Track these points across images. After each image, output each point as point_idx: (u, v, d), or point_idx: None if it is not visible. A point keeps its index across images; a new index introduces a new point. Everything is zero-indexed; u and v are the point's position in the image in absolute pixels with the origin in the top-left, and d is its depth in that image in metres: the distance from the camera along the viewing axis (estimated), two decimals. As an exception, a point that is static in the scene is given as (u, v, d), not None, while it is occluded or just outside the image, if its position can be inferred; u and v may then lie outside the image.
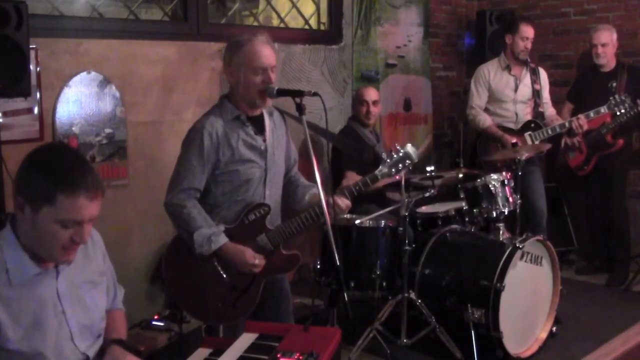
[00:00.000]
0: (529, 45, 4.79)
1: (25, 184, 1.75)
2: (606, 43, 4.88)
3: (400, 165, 2.95)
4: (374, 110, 4.56)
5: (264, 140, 2.82)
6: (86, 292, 1.93)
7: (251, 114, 2.82)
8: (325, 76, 5.01)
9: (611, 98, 4.54)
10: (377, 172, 2.94)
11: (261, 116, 2.86)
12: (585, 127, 4.67)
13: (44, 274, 1.81)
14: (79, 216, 1.74)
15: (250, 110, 2.81)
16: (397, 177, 3.41)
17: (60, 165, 1.76)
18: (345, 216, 3.73)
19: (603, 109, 4.58)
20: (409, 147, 2.97)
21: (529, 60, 4.86)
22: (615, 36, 4.92)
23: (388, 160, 2.95)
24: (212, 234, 2.69)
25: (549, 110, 4.93)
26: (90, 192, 1.74)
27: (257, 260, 2.75)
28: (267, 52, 2.73)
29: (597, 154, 5.00)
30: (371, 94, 4.57)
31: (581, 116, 4.62)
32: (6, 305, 1.73)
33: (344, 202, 2.83)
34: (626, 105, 4.50)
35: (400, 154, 2.95)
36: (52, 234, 1.74)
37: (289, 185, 3.04)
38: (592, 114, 4.60)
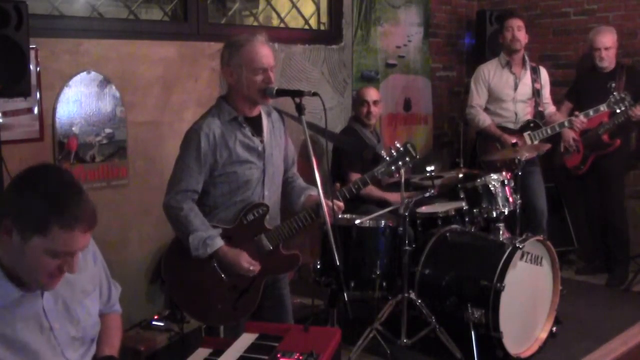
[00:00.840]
0: (517, 34, 4.75)
1: (16, 208, 1.63)
2: (609, 47, 4.88)
3: (400, 162, 2.95)
4: (375, 110, 4.55)
5: (261, 141, 2.82)
6: (77, 303, 1.85)
7: (249, 114, 2.82)
8: (325, 76, 5.01)
9: (611, 96, 4.53)
10: (376, 170, 2.94)
11: (259, 117, 2.86)
12: (585, 125, 4.68)
13: (27, 295, 1.72)
14: (72, 248, 1.66)
15: (248, 111, 2.81)
16: (397, 175, 3.41)
17: (57, 193, 1.64)
18: (345, 216, 3.74)
19: (602, 107, 4.57)
20: (409, 145, 2.96)
21: (527, 59, 4.86)
22: (616, 37, 4.92)
23: (387, 159, 2.95)
24: (207, 237, 2.69)
25: (549, 108, 4.93)
26: (86, 225, 1.66)
27: (252, 267, 2.75)
28: (266, 52, 2.74)
29: (593, 154, 4.99)
30: (372, 93, 4.57)
31: (580, 115, 4.61)
32: None
33: (336, 204, 2.82)
34: (626, 102, 4.49)
35: (400, 152, 2.95)
36: (40, 263, 1.64)
37: (286, 186, 3.04)
38: (591, 112, 4.60)
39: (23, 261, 1.66)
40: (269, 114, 2.91)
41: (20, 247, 1.63)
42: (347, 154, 4.36)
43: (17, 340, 1.69)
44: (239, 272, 2.74)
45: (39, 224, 1.61)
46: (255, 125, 2.83)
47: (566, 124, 4.66)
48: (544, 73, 4.92)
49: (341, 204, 2.86)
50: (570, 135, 4.99)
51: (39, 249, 1.63)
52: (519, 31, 4.76)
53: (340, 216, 3.04)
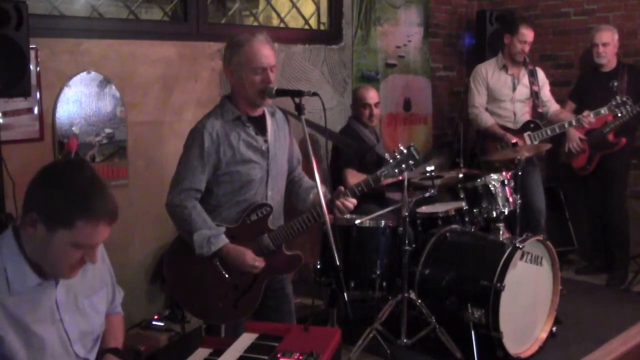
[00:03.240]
0: (527, 49, 4.78)
1: (42, 202, 1.70)
2: (607, 43, 4.87)
3: (403, 165, 2.95)
4: (377, 112, 4.55)
5: (265, 141, 2.82)
6: (86, 298, 1.91)
7: (252, 114, 2.82)
8: (325, 76, 5.01)
9: (612, 100, 4.52)
10: (379, 172, 2.93)
11: (263, 116, 2.86)
12: (593, 123, 4.68)
13: (44, 284, 1.79)
14: (95, 241, 1.74)
15: (251, 111, 2.81)
16: (400, 178, 3.41)
17: (82, 189, 1.71)
18: (345, 216, 3.73)
19: (603, 110, 4.56)
20: (412, 148, 2.96)
21: (527, 60, 4.86)
22: (616, 36, 4.91)
23: (391, 161, 2.95)
24: (211, 236, 2.69)
25: (552, 107, 4.92)
26: (109, 219, 1.73)
27: (257, 262, 2.75)
28: (266, 52, 2.73)
29: (599, 153, 4.99)
30: (373, 96, 4.53)
31: (591, 114, 4.59)
32: (8, 319, 1.71)
33: (350, 201, 2.82)
34: (627, 107, 4.49)
35: (404, 154, 2.94)
36: (64, 255, 1.72)
37: (293, 185, 3.04)
38: (592, 115, 4.59)
39: (47, 252, 1.72)
40: (273, 114, 2.91)
41: (45, 239, 1.70)
42: (345, 150, 4.35)
43: (30, 328, 1.75)
44: (243, 269, 2.74)
45: (64, 218, 1.68)
46: (259, 124, 2.83)
47: (574, 122, 4.64)
48: (541, 74, 4.93)
49: (354, 200, 2.85)
50: (576, 135, 4.97)
51: (63, 241, 1.69)
52: (529, 45, 4.77)
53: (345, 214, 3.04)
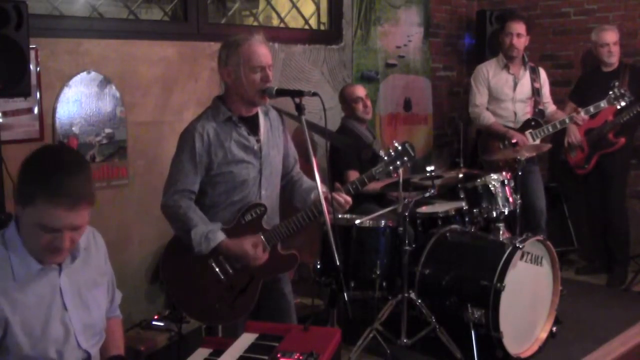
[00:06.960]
0: (516, 41, 4.75)
1: (18, 182, 1.76)
2: (616, 42, 4.90)
3: (398, 162, 2.94)
4: (369, 103, 4.56)
5: (258, 141, 2.81)
6: (88, 291, 1.94)
7: (245, 114, 2.81)
8: (325, 76, 5.01)
9: (610, 92, 4.52)
10: (374, 170, 2.93)
11: (255, 116, 2.85)
12: (586, 122, 4.68)
13: (47, 270, 1.82)
14: (56, 224, 1.70)
15: (244, 111, 2.81)
16: (395, 175, 3.40)
17: (45, 169, 1.72)
18: (345, 216, 3.74)
19: (603, 104, 4.56)
20: (407, 144, 2.96)
21: (526, 59, 4.85)
22: (619, 35, 4.93)
23: (386, 158, 2.94)
24: (209, 232, 2.69)
25: (550, 107, 4.93)
26: (70, 202, 1.68)
27: (258, 249, 2.74)
28: (264, 51, 2.74)
29: (598, 153, 4.99)
30: (360, 89, 4.56)
31: (581, 111, 4.60)
32: (13, 305, 1.74)
33: (343, 198, 2.82)
34: (626, 98, 4.49)
35: (398, 151, 2.94)
36: (34, 236, 1.74)
37: (292, 185, 3.03)
38: (592, 109, 4.59)
39: (24, 232, 1.77)
40: (266, 113, 2.90)
41: (22, 219, 1.76)
42: (344, 152, 4.35)
43: (34, 315, 1.78)
44: (246, 259, 2.73)
45: (27, 195, 1.71)
46: (252, 124, 2.83)
47: (567, 120, 4.65)
48: (542, 73, 4.93)
49: (349, 198, 2.84)
50: (575, 131, 4.97)
51: (30, 221, 1.73)
52: (518, 38, 4.75)
53: (340, 216, 3.03)
